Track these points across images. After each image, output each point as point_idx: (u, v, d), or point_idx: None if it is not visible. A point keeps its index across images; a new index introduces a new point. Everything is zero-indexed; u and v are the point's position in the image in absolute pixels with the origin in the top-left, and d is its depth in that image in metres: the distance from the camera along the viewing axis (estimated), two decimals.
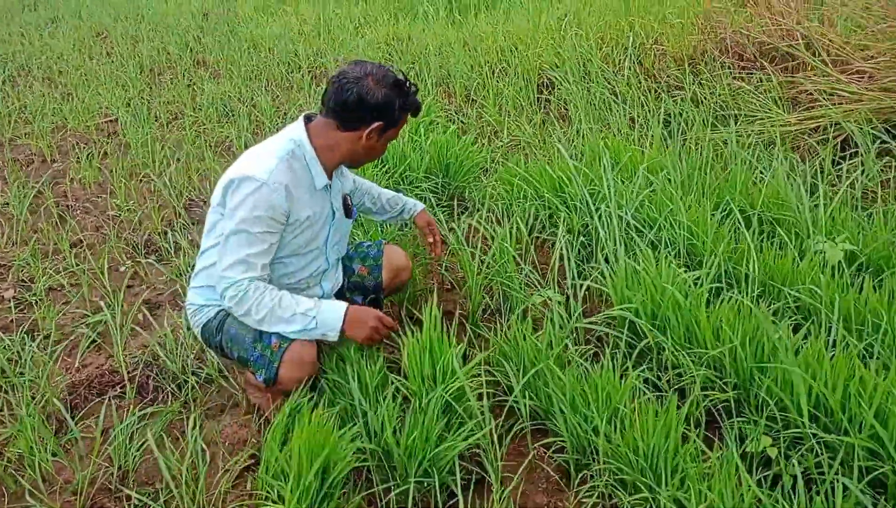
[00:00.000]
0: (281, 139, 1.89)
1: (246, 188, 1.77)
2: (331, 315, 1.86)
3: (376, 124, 1.83)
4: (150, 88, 5.72)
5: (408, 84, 1.87)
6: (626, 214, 2.57)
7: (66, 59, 6.74)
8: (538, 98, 4.50)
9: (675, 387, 1.97)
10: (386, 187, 3.20)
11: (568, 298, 2.34)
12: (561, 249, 2.49)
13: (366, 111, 1.81)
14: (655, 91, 4.10)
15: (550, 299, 2.26)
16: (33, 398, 2.14)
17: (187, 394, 2.18)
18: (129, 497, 1.84)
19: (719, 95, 3.80)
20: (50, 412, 2.13)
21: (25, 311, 2.74)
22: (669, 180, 2.78)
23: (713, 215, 2.56)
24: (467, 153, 3.41)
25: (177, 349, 2.33)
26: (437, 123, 3.83)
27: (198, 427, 2.04)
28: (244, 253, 1.79)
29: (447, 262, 2.80)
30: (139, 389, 2.23)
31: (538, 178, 2.96)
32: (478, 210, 3.22)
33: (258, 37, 6.75)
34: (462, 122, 4.32)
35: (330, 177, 1.96)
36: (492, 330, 2.25)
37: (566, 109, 4.27)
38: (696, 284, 2.13)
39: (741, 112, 3.61)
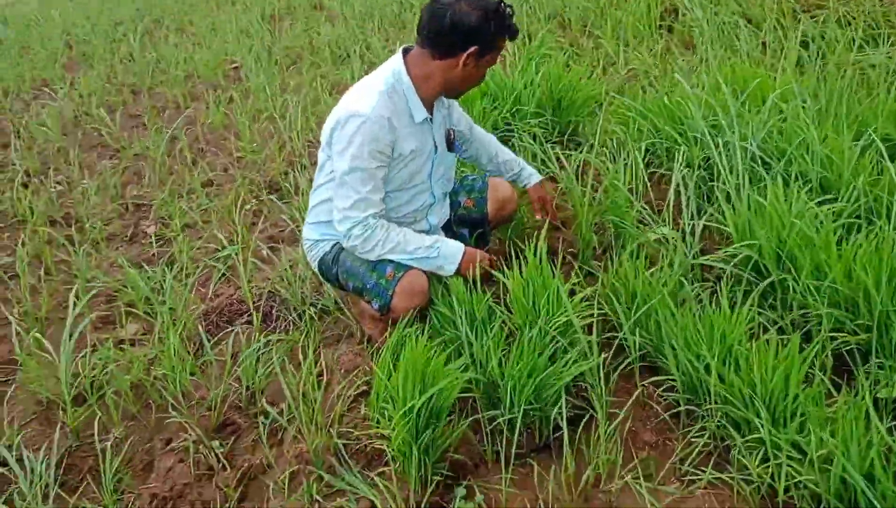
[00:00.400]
0: (381, 73, 1.90)
1: (352, 126, 1.80)
2: (452, 249, 1.96)
3: (472, 49, 1.80)
4: (271, 33, 5.91)
5: (503, 4, 1.81)
6: (752, 145, 2.39)
7: (196, 10, 7.10)
8: (660, 25, 4.23)
9: (802, 330, 1.85)
10: (495, 123, 3.18)
11: (685, 235, 2.23)
12: (677, 184, 2.36)
13: (460, 36, 1.78)
14: (794, 12, 3.73)
15: (665, 237, 2.17)
16: (174, 322, 2.34)
17: (307, 324, 2.31)
18: (256, 414, 2.00)
19: (869, 14, 3.40)
20: (188, 337, 2.33)
21: (165, 245, 2.98)
22: (804, 108, 2.55)
23: (853, 145, 2.32)
24: (580, 86, 3.28)
25: (296, 282, 2.45)
26: (550, 57, 3.70)
27: (315, 354, 2.17)
28: (364, 191, 1.84)
29: (559, 199, 2.75)
30: (264, 317, 2.39)
31: (655, 110, 2.80)
32: (591, 146, 3.11)
33: None
34: (577, 54, 4.15)
35: (430, 110, 1.95)
36: (602, 268, 2.20)
37: (691, 37, 3.99)
38: (829, 219, 1.96)
39: (894, 31, 3.22)
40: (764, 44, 3.54)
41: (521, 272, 1.90)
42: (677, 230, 2.25)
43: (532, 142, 3.04)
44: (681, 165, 2.44)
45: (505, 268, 1.96)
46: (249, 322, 2.38)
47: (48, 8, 8.86)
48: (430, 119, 1.97)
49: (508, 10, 1.83)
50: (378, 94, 1.84)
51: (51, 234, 3.08)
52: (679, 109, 2.73)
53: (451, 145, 2.10)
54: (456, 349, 1.88)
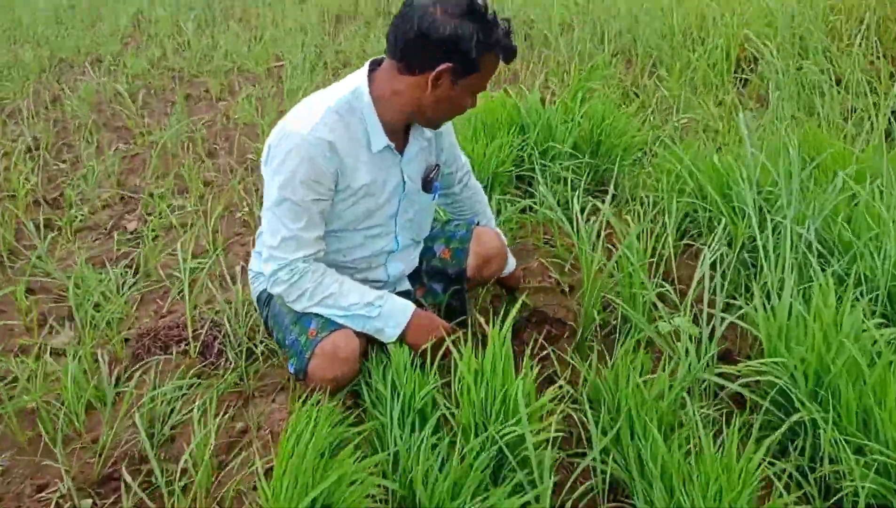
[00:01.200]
0: (339, 87, 1.57)
1: (284, 146, 1.47)
2: (397, 308, 1.61)
3: (444, 66, 1.43)
4: (331, 35, 5.71)
5: (492, 14, 1.45)
6: (809, 230, 1.94)
7: (266, 2, 7.00)
8: (735, 76, 3.76)
9: (831, 498, 1.40)
10: (519, 160, 2.81)
11: (702, 334, 1.79)
12: (709, 264, 1.93)
13: (430, 48, 1.42)
14: (892, 76, 3.22)
15: (678, 330, 1.75)
16: (103, 338, 2.06)
17: (243, 368, 1.99)
18: (150, 472, 1.68)
19: None
20: (110, 359, 2.04)
21: (141, 245, 2.73)
22: (882, 193, 2.07)
23: None
24: (625, 129, 2.87)
25: (248, 313, 2.14)
26: (598, 91, 3.30)
27: (243, 406, 1.84)
28: (294, 228, 1.51)
29: (570, 260, 2.35)
30: (203, 349, 2.08)
31: (703, 169, 2.37)
32: (625, 201, 2.70)
33: None
34: (635, 94, 3.73)
35: (399, 138, 1.61)
36: (588, 360, 1.78)
37: (767, 91, 3.51)
38: (891, 349, 1.50)
39: None
40: (851, 109, 3.04)
41: (478, 354, 1.52)
42: (697, 325, 1.82)
43: (557, 185, 2.66)
44: (719, 241, 2.00)
45: (462, 342, 1.58)
46: (186, 352, 2.08)
47: None
48: (396, 149, 1.61)
49: (502, 23, 1.47)
50: (325, 111, 1.50)
51: (20, 218, 2.88)
52: (729, 172, 2.29)
53: (427, 185, 1.74)
54: (383, 444, 1.51)
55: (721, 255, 2.01)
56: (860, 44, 3.39)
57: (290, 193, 1.47)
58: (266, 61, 5.02)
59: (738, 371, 1.61)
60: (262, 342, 2.06)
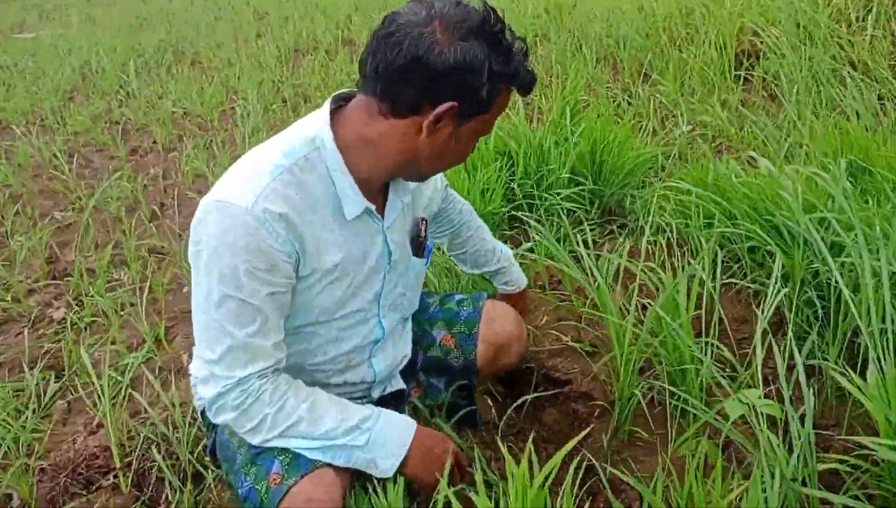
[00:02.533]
0: (291, 135, 1.11)
1: (217, 224, 1.03)
2: (393, 429, 1.17)
3: (446, 106, 1.01)
4: (285, 69, 5.31)
5: (506, 33, 1.03)
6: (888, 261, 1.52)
7: (219, 43, 6.59)
8: (736, 73, 3.39)
9: None
10: (510, 194, 2.39)
11: (784, 410, 1.36)
12: (770, 312, 1.50)
13: (428, 82, 0.99)
14: None
15: (756, 410, 1.32)
16: (15, 471, 1.60)
17: (192, 497, 1.53)
18: None
19: None
20: (21, 504, 1.58)
21: (68, 337, 2.27)
22: None
23: None
24: (628, 148, 2.47)
25: (188, 424, 1.69)
26: (591, 105, 2.91)
27: None
28: (243, 334, 1.06)
29: (587, 313, 1.92)
30: (138, 478, 1.62)
31: (731, 192, 1.97)
32: (641, 232, 2.28)
33: None
34: (628, 102, 3.35)
35: (377, 196, 1.18)
36: (640, 458, 1.35)
37: (776, 87, 3.14)
38: None
39: None
40: (880, 99, 2.66)
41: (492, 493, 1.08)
42: (773, 397, 1.39)
43: (555, 218, 2.25)
44: (776, 280, 1.58)
45: (478, 472, 1.14)
46: (116, 487, 1.62)
47: (82, 34, 8.60)
48: (376, 212, 1.18)
49: (518, 45, 1.05)
50: (271, 173, 1.06)
51: None
52: (765, 193, 1.88)
53: (419, 248, 1.31)
54: None
55: (784, 297, 1.60)
56: (874, 25, 3.03)
57: (232, 288, 1.04)
58: (220, 104, 4.61)
59: (853, 468, 1.18)
60: (208, 465, 1.61)
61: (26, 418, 1.83)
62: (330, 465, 1.14)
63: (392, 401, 1.38)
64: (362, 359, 1.31)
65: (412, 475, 1.17)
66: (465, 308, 1.47)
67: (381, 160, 1.09)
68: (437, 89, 1.00)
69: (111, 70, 6.05)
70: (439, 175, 1.42)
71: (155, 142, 4.22)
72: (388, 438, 1.16)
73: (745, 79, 3.39)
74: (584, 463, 1.41)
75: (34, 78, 6.41)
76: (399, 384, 1.40)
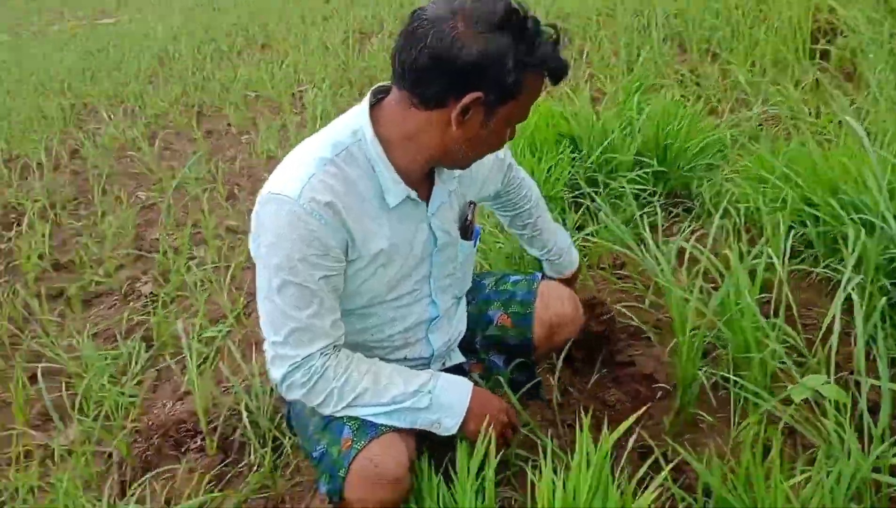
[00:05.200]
0: (332, 131, 1.18)
1: (271, 215, 1.11)
2: (453, 390, 1.25)
3: (472, 96, 1.05)
4: (352, 52, 5.41)
5: (531, 23, 1.06)
6: None
7: (290, 27, 6.75)
8: (812, 50, 3.28)
9: None
10: (574, 180, 2.41)
11: (856, 400, 1.36)
12: (844, 297, 1.49)
13: (453, 75, 1.04)
14: None
15: (820, 396, 1.33)
16: (111, 433, 1.76)
17: (272, 460, 1.65)
18: None
19: None
20: (117, 461, 1.73)
21: (155, 312, 2.44)
22: None
23: None
24: (696, 130, 2.45)
25: (269, 393, 1.80)
26: (661, 89, 2.88)
27: None
28: (303, 316, 1.15)
29: (651, 298, 1.94)
30: (222, 443, 1.75)
31: (804, 173, 1.94)
32: (707, 215, 2.27)
33: None
34: (696, 84, 3.29)
35: (422, 184, 1.23)
36: (700, 441, 1.38)
37: (854, 66, 3.03)
38: None
39: None
40: None
41: (557, 471, 1.13)
42: (842, 386, 1.39)
43: (621, 201, 2.26)
44: (851, 264, 1.56)
45: (543, 457, 1.20)
46: (202, 449, 1.75)
47: (159, 18, 8.95)
48: (419, 199, 1.23)
49: (547, 31, 1.08)
50: (316, 165, 1.13)
51: (27, 292, 2.63)
52: (844, 174, 1.84)
53: (466, 231, 1.37)
54: None
55: (857, 285, 1.59)
56: None
57: (290, 274, 1.12)
58: (289, 87, 4.74)
59: None
60: (284, 431, 1.73)
61: (124, 384, 1.99)
62: (396, 429, 1.22)
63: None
64: (419, 337, 1.37)
65: (472, 431, 1.24)
66: (520, 289, 1.52)
67: (417, 151, 1.15)
68: (461, 82, 1.05)
69: (187, 54, 6.30)
70: (501, 157, 1.47)
71: (229, 125, 4.40)
72: (448, 398, 1.24)
73: (822, 57, 3.28)
74: (645, 443, 1.45)
75: (116, 63, 6.73)
76: (458, 358, 1.47)
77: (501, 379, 1.52)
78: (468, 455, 1.22)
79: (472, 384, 1.28)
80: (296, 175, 1.12)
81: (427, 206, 1.24)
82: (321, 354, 1.18)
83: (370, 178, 1.16)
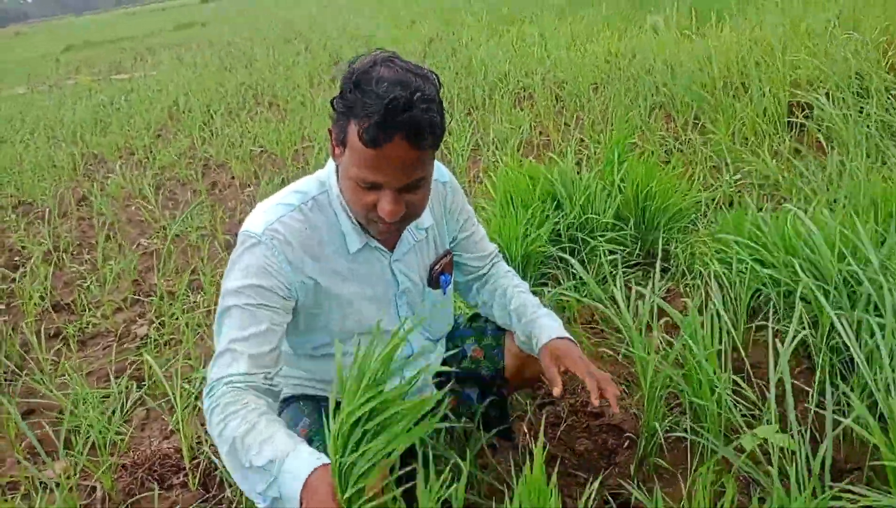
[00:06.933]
0: (306, 181, 1.30)
1: (236, 248, 1.23)
2: (293, 473, 1.01)
3: (332, 132, 1.17)
4: None
5: (378, 70, 1.09)
6: None
7: (297, 88, 7.02)
8: (788, 122, 3.45)
9: None
10: (556, 236, 2.52)
11: (800, 448, 1.44)
12: (788, 350, 1.58)
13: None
14: None
15: (772, 446, 1.40)
16: (97, 468, 1.82)
17: (247, 499, 1.70)
18: None
19: None
20: (104, 496, 1.79)
21: (149, 352, 2.52)
22: None
23: None
24: (674, 192, 2.58)
25: None
26: (643, 153, 3.03)
27: None
28: (235, 336, 1.16)
29: (624, 351, 2.02)
30: (204, 479, 1.81)
31: (767, 238, 2.05)
32: (682, 275, 2.38)
33: (475, 58, 6.36)
34: (679, 150, 3.45)
35: (382, 236, 1.30)
36: (657, 492, 1.45)
37: (829, 139, 3.18)
38: None
39: None
40: None
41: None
42: (792, 435, 1.46)
43: (599, 260, 2.36)
44: (796, 324, 1.65)
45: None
46: (185, 485, 1.81)
47: (171, 76, 9.29)
48: (385, 245, 1.33)
49: (393, 90, 1.05)
50: (283, 209, 1.24)
51: (26, 330, 2.72)
52: (806, 242, 1.95)
53: (434, 282, 1.45)
54: None
55: (806, 340, 1.68)
56: None
57: (235, 298, 1.18)
58: (293, 144, 4.93)
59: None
60: None
61: (111, 421, 2.06)
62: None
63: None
64: (393, 371, 1.44)
65: None
66: (492, 324, 1.60)
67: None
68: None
69: (196, 109, 6.54)
70: (461, 210, 1.47)
71: (233, 178, 4.56)
72: (287, 479, 1.01)
73: (800, 130, 3.44)
74: (612, 490, 1.52)
75: (127, 117, 6.99)
76: (429, 391, 1.55)
77: (474, 413, 1.59)
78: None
79: (318, 464, 1.02)
80: (263, 218, 1.22)
81: (392, 253, 1.35)
82: (228, 383, 1.12)
83: (333, 225, 1.27)
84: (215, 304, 2.73)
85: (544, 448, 1.18)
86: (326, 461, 1.01)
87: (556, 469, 1.25)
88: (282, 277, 1.21)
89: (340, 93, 1.12)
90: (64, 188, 4.72)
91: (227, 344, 1.16)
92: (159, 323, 2.72)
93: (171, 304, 2.78)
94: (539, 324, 1.44)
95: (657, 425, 1.58)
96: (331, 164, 1.28)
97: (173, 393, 1.98)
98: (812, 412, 1.53)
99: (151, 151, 5.43)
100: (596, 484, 1.48)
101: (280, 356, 1.22)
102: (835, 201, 2.39)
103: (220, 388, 1.11)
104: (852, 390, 1.60)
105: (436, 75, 1.15)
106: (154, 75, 10.25)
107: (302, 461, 1.01)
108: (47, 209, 4.20)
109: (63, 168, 5.20)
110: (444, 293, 1.46)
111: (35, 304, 2.91)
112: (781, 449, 1.40)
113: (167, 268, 3.25)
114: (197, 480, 1.80)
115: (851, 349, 1.51)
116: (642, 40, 5.54)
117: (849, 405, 1.60)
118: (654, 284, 1.94)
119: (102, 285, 3.10)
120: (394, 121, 1.05)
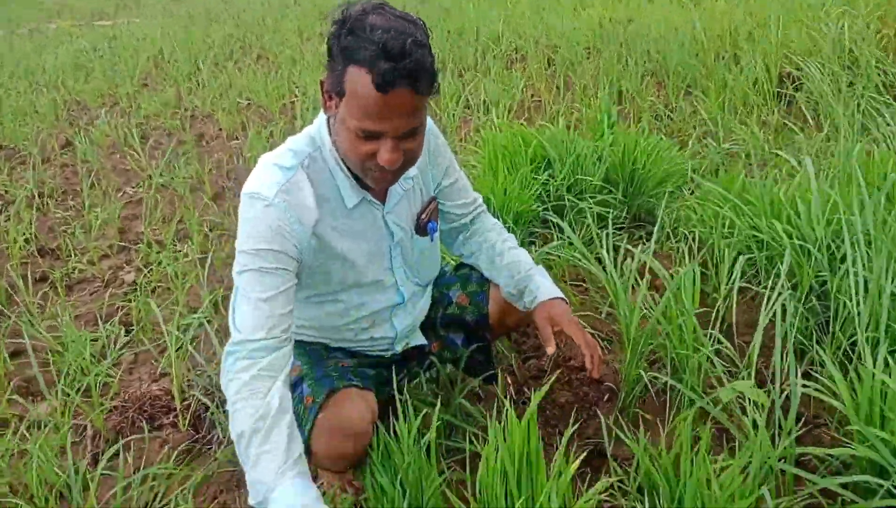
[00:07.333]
0: (298, 138, 1.31)
1: (250, 209, 1.23)
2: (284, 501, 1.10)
3: (321, 81, 1.18)
4: None
5: (371, 19, 1.09)
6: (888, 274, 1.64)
7: (285, 42, 6.90)
8: (778, 94, 3.48)
9: None
10: (544, 196, 2.55)
11: (774, 403, 1.50)
12: (772, 314, 1.63)
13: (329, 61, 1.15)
14: None
15: (746, 400, 1.46)
16: (87, 408, 1.84)
17: None
18: None
19: None
20: (94, 434, 1.82)
21: (138, 298, 2.53)
22: None
23: None
24: (662, 158, 2.61)
25: None
26: (628, 115, 3.05)
27: (235, 490, 1.60)
28: (254, 296, 1.20)
29: (607, 310, 2.07)
30: (195, 420, 1.85)
31: (755, 203, 2.09)
32: (667, 239, 2.42)
33: (464, 21, 6.29)
34: (669, 117, 3.47)
35: (378, 185, 1.30)
36: (640, 433, 1.51)
37: (816, 111, 3.22)
38: None
39: None
40: None
41: (506, 434, 1.25)
42: (765, 390, 1.53)
43: (588, 221, 2.40)
44: (782, 286, 1.71)
45: (491, 424, 1.31)
46: (175, 425, 1.84)
47: (156, 25, 9.07)
48: (376, 197, 1.35)
49: (385, 35, 1.06)
50: (288, 169, 1.24)
51: (13, 273, 2.70)
52: (791, 206, 2.00)
53: (421, 229, 1.47)
54: None
55: (787, 303, 1.73)
56: None
57: (252, 261, 1.20)
58: (281, 97, 4.88)
59: (829, 457, 1.31)
60: None
61: (101, 363, 2.08)
62: (354, 384, 1.33)
63: (415, 354, 1.59)
64: (384, 319, 1.49)
65: None
66: (476, 272, 1.64)
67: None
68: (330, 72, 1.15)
69: (182, 59, 6.41)
70: (443, 157, 1.48)
71: (220, 129, 4.51)
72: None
73: (791, 99, 3.48)
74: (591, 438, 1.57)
75: (111, 64, 6.83)
76: (420, 339, 1.59)
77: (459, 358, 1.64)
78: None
79: (311, 495, 1.12)
80: (270, 179, 1.23)
81: (384, 205, 1.37)
82: (253, 350, 1.17)
83: (330, 181, 1.28)
84: (202, 253, 2.76)
85: (527, 401, 1.23)
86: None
87: (536, 420, 1.30)
88: (294, 238, 1.23)
89: (335, 37, 1.12)
90: (46, 134, 4.63)
91: (250, 302, 1.19)
92: (146, 270, 2.72)
93: (158, 252, 2.78)
94: (534, 282, 1.51)
95: (642, 372, 1.63)
96: (320, 118, 1.29)
97: (169, 334, 1.99)
98: (785, 370, 1.58)
99: (136, 100, 5.34)
100: (576, 428, 1.54)
101: (292, 312, 1.26)
102: (820, 171, 2.43)
103: (243, 352, 1.17)
104: (824, 351, 1.66)
105: (423, 22, 1.16)
106: (137, 23, 10.00)
107: (300, 486, 1.10)
108: (30, 155, 4.14)
109: (45, 114, 5.09)
110: (432, 240, 1.50)
111: (20, 247, 2.89)
112: (756, 405, 1.46)
113: (153, 217, 3.23)
114: (187, 421, 1.83)
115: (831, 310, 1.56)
116: (639, 7, 5.50)
117: (822, 365, 1.66)
118: (643, 243, 1.98)
119: (88, 232, 3.08)
120: (395, 67, 1.06)
